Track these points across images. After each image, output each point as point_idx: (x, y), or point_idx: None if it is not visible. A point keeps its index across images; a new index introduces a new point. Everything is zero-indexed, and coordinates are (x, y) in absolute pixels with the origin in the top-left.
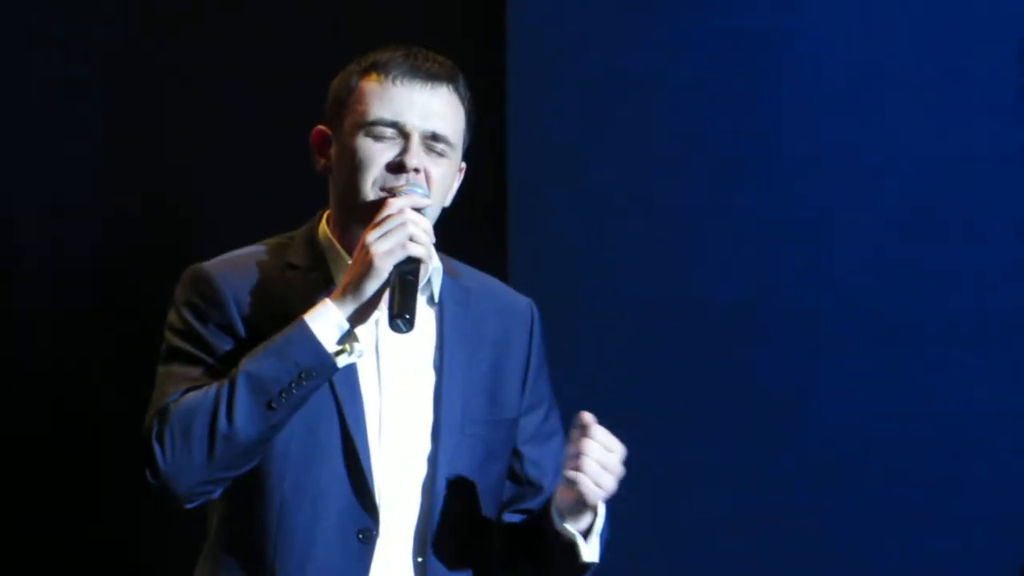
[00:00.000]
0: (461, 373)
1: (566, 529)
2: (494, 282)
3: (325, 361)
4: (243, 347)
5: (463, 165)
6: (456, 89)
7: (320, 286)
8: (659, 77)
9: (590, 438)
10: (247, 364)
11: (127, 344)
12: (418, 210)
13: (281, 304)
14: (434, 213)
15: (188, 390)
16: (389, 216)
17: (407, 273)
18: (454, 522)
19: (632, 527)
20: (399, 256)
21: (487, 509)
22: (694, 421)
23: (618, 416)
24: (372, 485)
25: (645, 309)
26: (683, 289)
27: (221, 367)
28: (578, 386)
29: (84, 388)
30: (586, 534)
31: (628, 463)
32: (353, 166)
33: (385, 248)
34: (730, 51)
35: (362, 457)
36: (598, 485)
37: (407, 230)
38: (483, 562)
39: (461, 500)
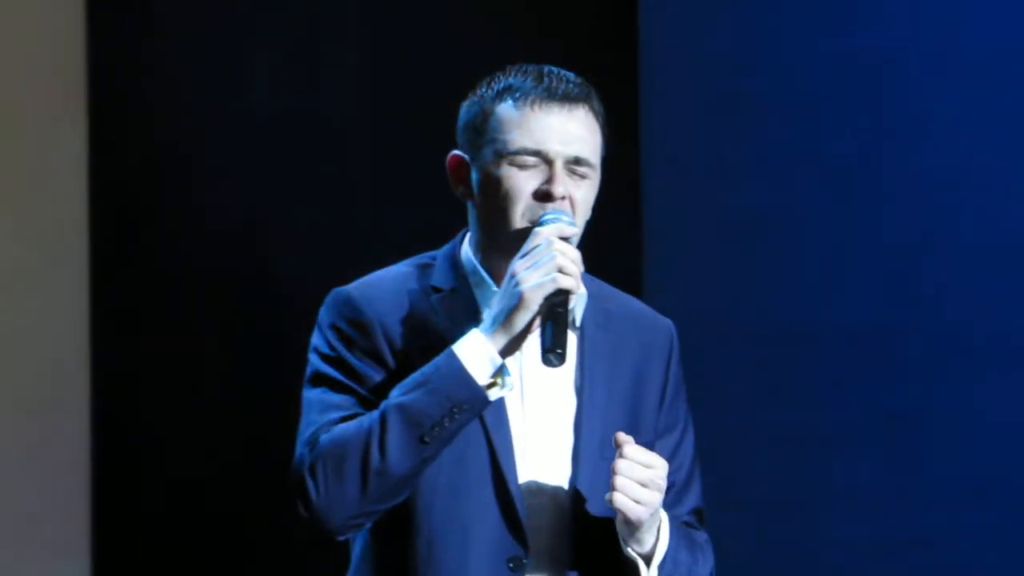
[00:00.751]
0: (602, 397)
1: (629, 553)
2: (634, 302)
3: (478, 395)
4: (389, 372)
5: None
6: (591, 108)
7: (464, 310)
8: (782, 97)
9: (623, 457)
10: (399, 397)
11: None
12: (565, 239)
13: (425, 328)
14: (577, 237)
15: (337, 420)
16: (538, 247)
17: (557, 305)
18: (594, 545)
19: (770, 549)
20: (549, 289)
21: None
22: (833, 443)
23: (755, 437)
24: (521, 513)
25: (779, 330)
26: (818, 308)
27: (367, 394)
28: (715, 407)
29: None
30: (650, 560)
31: (768, 484)
32: (499, 197)
33: (535, 282)
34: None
35: (511, 486)
36: (637, 501)
37: (556, 262)
38: None
39: (601, 523)
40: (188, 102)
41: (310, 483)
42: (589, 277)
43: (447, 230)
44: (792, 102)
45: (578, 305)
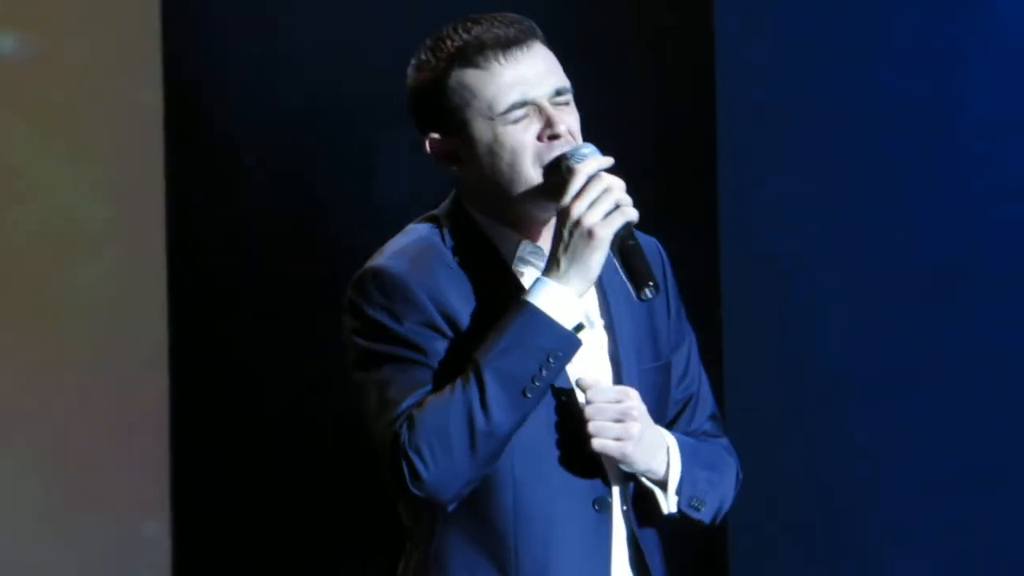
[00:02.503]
0: (629, 326)
1: (644, 483)
2: None
3: (570, 340)
4: (447, 339)
5: None
6: (540, 37)
7: (494, 266)
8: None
9: (589, 402)
10: (489, 360)
11: None
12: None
13: (464, 289)
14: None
15: (421, 397)
16: (591, 182)
17: (627, 238)
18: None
19: (844, 494)
20: (619, 222)
21: None
22: (916, 384)
23: (840, 386)
24: (595, 453)
25: (858, 277)
26: (897, 257)
27: (435, 363)
28: (798, 357)
29: None
30: (666, 485)
31: (847, 432)
32: (506, 158)
33: (601, 216)
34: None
35: (583, 428)
36: (618, 439)
37: (614, 194)
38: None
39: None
40: (268, 85)
41: (417, 461)
42: None
43: None
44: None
45: None
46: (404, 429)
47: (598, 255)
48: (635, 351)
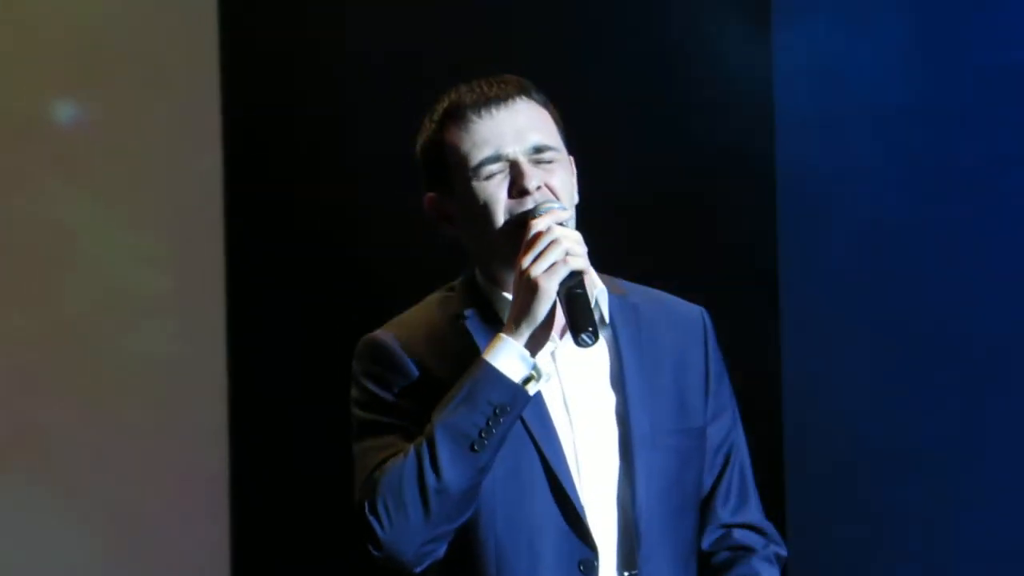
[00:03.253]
0: (645, 387)
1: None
2: (662, 295)
3: (516, 393)
4: (430, 404)
5: (571, 159)
6: (531, 96)
7: (491, 325)
8: (922, 110)
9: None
10: (440, 416)
11: None
12: (560, 224)
13: (457, 354)
14: (572, 219)
15: (387, 459)
16: (538, 236)
17: (574, 287)
18: (657, 535)
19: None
20: (562, 273)
21: (687, 515)
22: (970, 452)
23: (895, 442)
24: (584, 514)
25: (914, 337)
26: (952, 320)
27: (413, 428)
28: (855, 410)
29: None
30: None
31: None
32: (479, 214)
33: (545, 268)
34: (994, 85)
35: (567, 488)
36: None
37: (561, 246)
38: (692, 570)
39: (661, 511)
40: (328, 146)
41: (374, 521)
42: (611, 277)
43: None
44: (927, 116)
45: (601, 301)
46: (366, 493)
47: (542, 305)
48: (650, 412)
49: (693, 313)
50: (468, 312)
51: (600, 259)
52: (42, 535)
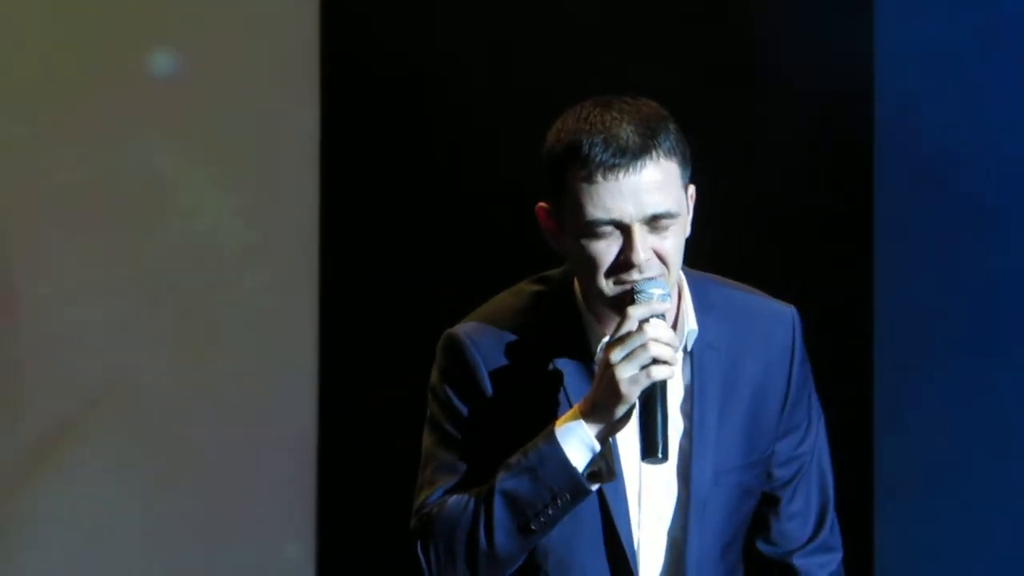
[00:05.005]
0: (715, 422)
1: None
2: (752, 301)
3: (578, 487)
4: (499, 425)
5: (692, 190)
6: (660, 148)
7: (577, 358)
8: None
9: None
10: (503, 481)
11: None
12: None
13: (538, 377)
14: (674, 289)
15: (449, 487)
16: (630, 334)
17: (653, 397)
18: (708, 568)
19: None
20: (644, 383)
21: (737, 543)
22: None
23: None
24: (633, 558)
25: (1010, 330)
26: None
27: (479, 447)
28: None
29: None
30: None
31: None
32: (585, 264)
33: (629, 375)
34: None
35: (620, 529)
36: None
37: (649, 352)
38: None
39: (713, 549)
40: (425, 106)
41: (423, 560)
42: (698, 281)
43: None
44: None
45: (689, 340)
46: (420, 528)
47: (620, 408)
48: (715, 449)
49: (784, 324)
50: (560, 331)
51: (696, 252)
52: (131, 484)
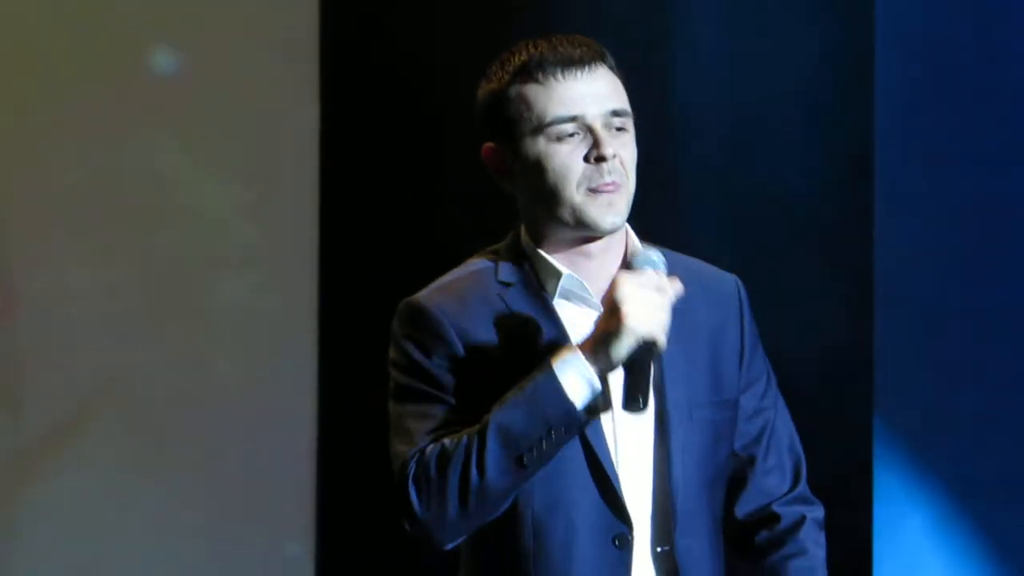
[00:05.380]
0: (681, 360)
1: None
2: (698, 265)
3: (575, 419)
4: (471, 375)
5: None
6: (607, 62)
7: (533, 297)
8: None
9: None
10: (498, 414)
11: None
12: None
13: (499, 323)
14: (631, 190)
15: (437, 433)
16: (658, 285)
17: (648, 354)
18: (692, 509)
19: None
20: (651, 340)
21: (719, 487)
22: None
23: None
24: (620, 489)
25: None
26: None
27: (455, 400)
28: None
29: None
30: None
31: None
32: (549, 174)
33: (645, 329)
34: None
35: (605, 464)
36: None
37: (665, 317)
38: (720, 541)
39: (696, 485)
40: (425, 103)
41: (415, 499)
42: (651, 246)
43: None
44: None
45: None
46: (413, 465)
47: (624, 348)
48: (685, 385)
49: (728, 284)
50: (514, 282)
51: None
52: (130, 478)
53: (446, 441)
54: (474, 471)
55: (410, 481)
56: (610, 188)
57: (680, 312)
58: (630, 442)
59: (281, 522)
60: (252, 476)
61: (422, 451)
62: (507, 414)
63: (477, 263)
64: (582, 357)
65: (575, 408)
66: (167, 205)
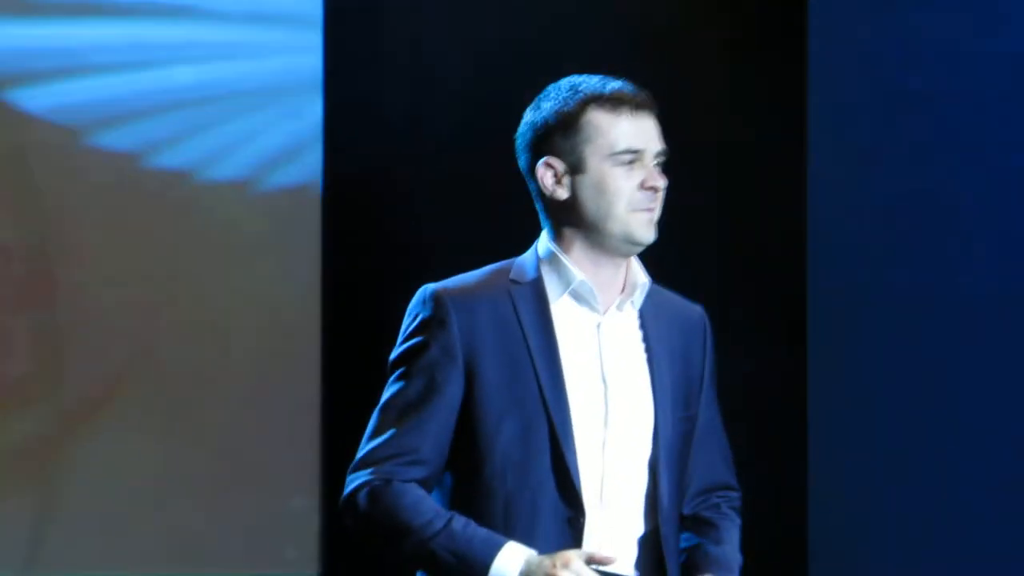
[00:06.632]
0: (667, 371)
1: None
2: (670, 294)
3: None
4: (465, 366)
5: None
6: (656, 110)
7: (535, 299)
8: (942, 93)
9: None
10: (438, 555)
11: None
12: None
13: (501, 318)
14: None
15: (396, 461)
16: None
17: None
18: (671, 495)
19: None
20: None
21: (682, 486)
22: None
23: (909, 405)
24: (577, 481)
25: (922, 302)
26: (953, 283)
27: (450, 399)
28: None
29: None
30: None
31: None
32: (607, 192)
33: None
34: (1007, 72)
35: (568, 457)
36: None
37: None
38: (679, 527)
39: (674, 477)
40: (425, 82)
41: (353, 521)
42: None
43: None
44: (947, 99)
45: (641, 294)
46: (366, 491)
47: None
48: (671, 391)
49: (696, 314)
50: (523, 281)
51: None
52: (155, 450)
53: (394, 489)
54: (383, 537)
55: (357, 492)
56: (651, 210)
57: (661, 331)
58: (623, 429)
59: (287, 479)
60: (263, 446)
61: (375, 485)
62: (421, 557)
63: (499, 264)
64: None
65: None
66: (186, 201)
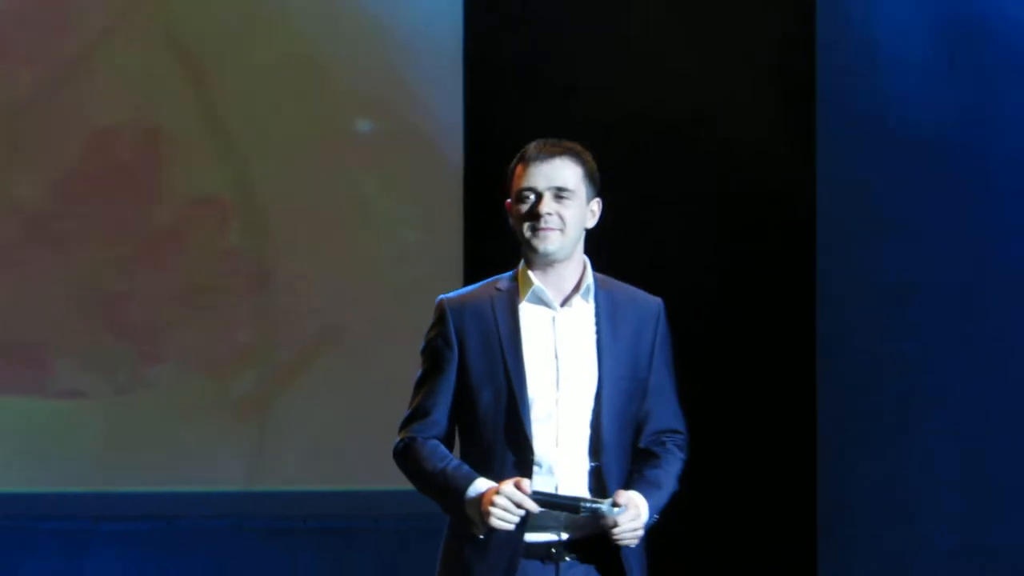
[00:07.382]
0: (612, 342)
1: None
2: (631, 288)
3: (461, 518)
4: (459, 351)
5: (597, 201)
6: (572, 156)
7: (508, 302)
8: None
9: (619, 525)
10: (438, 487)
11: None
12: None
13: (484, 317)
14: (577, 236)
15: (423, 423)
16: (507, 511)
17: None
18: (613, 438)
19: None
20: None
21: (628, 431)
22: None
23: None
24: (529, 431)
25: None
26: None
27: (444, 374)
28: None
29: None
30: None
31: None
32: (514, 222)
33: (495, 525)
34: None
35: (523, 413)
36: (636, 534)
37: (507, 526)
38: (628, 462)
39: (616, 425)
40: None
41: (395, 456)
42: (605, 277)
43: None
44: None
45: (591, 289)
46: (400, 444)
47: (480, 530)
48: (612, 360)
49: (653, 303)
50: (504, 288)
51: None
52: (341, 407)
53: (423, 450)
54: (415, 480)
55: (396, 448)
56: (542, 229)
57: (616, 315)
58: (573, 395)
59: None
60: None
61: (406, 442)
62: (431, 488)
63: (493, 278)
64: (471, 507)
65: (466, 516)
66: (357, 210)
